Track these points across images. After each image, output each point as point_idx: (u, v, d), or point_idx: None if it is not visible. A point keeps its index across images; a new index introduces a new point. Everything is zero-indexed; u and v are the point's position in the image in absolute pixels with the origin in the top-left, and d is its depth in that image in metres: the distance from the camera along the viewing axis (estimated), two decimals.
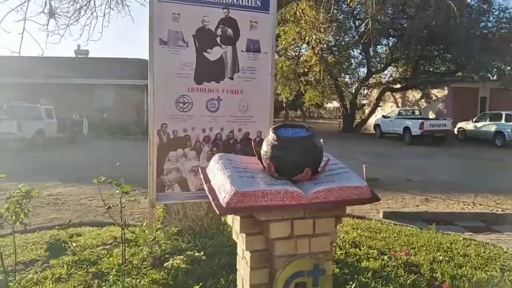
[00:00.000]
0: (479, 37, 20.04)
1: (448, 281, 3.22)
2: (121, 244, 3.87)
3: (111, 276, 2.96)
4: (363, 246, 4.10)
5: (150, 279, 3.00)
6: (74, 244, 3.54)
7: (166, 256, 3.44)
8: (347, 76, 26.32)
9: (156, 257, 3.39)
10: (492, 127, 18.02)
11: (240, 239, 1.87)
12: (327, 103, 34.89)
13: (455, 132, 20.06)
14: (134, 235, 2.45)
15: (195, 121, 3.31)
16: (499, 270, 3.59)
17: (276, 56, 21.78)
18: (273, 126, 1.86)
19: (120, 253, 3.38)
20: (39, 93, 18.55)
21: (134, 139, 17.47)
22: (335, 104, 36.99)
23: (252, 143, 1.96)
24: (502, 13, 21.23)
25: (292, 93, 25.86)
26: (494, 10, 21.26)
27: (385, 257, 3.71)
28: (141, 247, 3.13)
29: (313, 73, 20.59)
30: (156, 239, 2.98)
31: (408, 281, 3.14)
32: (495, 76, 22.65)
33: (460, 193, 7.79)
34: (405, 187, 8.38)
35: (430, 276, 3.34)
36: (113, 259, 3.30)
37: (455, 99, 23.57)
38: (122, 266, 2.55)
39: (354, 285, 2.73)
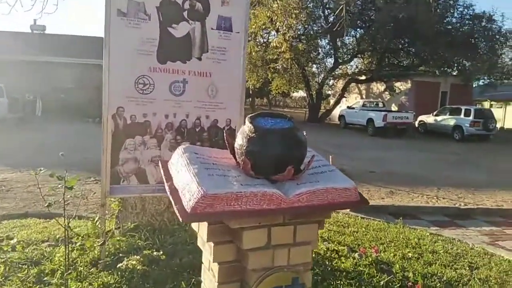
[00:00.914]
0: (443, 32, 20.51)
1: (420, 281, 3.10)
2: (70, 239, 3.50)
3: (55, 280, 2.59)
4: (332, 242, 3.95)
5: (101, 282, 2.65)
6: (13, 242, 3.11)
7: (121, 255, 3.10)
8: (315, 65, 26.27)
9: (109, 256, 3.04)
10: (451, 121, 18.60)
11: (206, 248, 1.58)
12: (293, 92, 34.86)
13: (416, 125, 20.58)
14: (80, 237, 2.09)
15: (157, 105, 2.94)
16: (467, 268, 3.54)
17: None
18: (250, 115, 1.56)
19: (69, 249, 3.01)
20: None
21: (93, 122, 16.55)
22: (301, 93, 37.09)
23: (224, 134, 1.66)
24: (466, 10, 21.83)
25: (259, 81, 25.48)
26: (459, 7, 21.81)
27: (356, 254, 3.57)
28: (87, 251, 2.75)
29: (283, 60, 20.30)
30: (107, 243, 2.62)
31: (381, 282, 2.99)
32: (456, 72, 23.41)
33: (423, 186, 7.88)
34: (370, 179, 8.38)
35: (402, 276, 3.22)
36: (58, 259, 2.91)
37: (417, 92, 24.17)
38: (65, 275, 2.19)
39: None
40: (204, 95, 3.06)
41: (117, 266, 2.86)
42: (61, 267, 2.76)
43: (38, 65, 19.98)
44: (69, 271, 2.15)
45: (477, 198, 6.95)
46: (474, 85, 25.47)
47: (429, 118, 20.26)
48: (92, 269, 2.82)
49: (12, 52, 19.64)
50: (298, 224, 1.51)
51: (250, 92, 34.30)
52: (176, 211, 1.36)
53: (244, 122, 1.57)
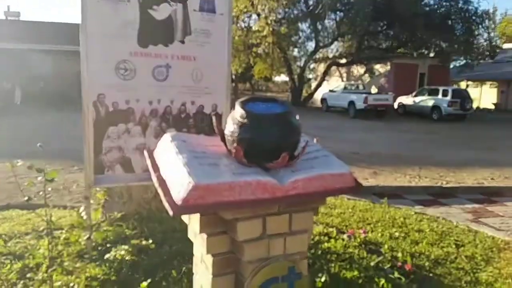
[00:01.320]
0: (421, 14, 20.59)
1: (409, 261, 3.14)
2: (55, 230, 3.39)
3: (40, 274, 2.50)
4: (321, 224, 3.96)
5: (89, 275, 2.58)
6: None
7: (108, 245, 3.02)
8: (296, 49, 26.20)
9: (96, 247, 2.97)
10: (429, 101, 18.88)
11: (199, 240, 1.53)
12: (275, 76, 34.76)
13: (396, 106, 20.82)
14: (63, 231, 2.01)
15: (140, 92, 2.82)
16: (454, 246, 3.60)
17: None
18: (241, 100, 1.50)
19: (53, 243, 2.91)
20: None
21: (75, 110, 16.04)
22: (283, 77, 37.05)
23: (214, 121, 1.59)
24: None
25: (242, 66, 25.25)
26: None
27: (345, 236, 3.59)
28: (71, 245, 2.66)
29: (266, 44, 20.10)
30: (91, 238, 2.54)
31: (372, 264, 3.01)
32: (434, 53, 23.66)
33: (405, 166, 7.99)
34: (353, 161, 8.42)
35: (391, 256, 3.25)
36: (43, 252, 2.80)
37: (396, 74, 24.37)
38: (49, 271, 2.11)
39: (324, 277, 2.52)
40: (189, 80, 2.96)
41: (105, 257, 2.79)
42: (46, 261, 2.67)
43: (15, 53, 19.17)
44: (53, 267, 2.06)
45: (458, 177, 7.09)
46: (451, 66, 25.85)
47: (408, 99, 20.49)
48: (78, 262, 2.73)
49: None
50: (293, 212, 1.47)
51: (233, 77, 34.10)
52: (166, 204, 1.29)
53: (234, 107, 1.50)
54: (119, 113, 2.79)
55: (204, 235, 1.45)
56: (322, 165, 1.52)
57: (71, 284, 2.41)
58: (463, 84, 29.04)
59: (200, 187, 1.27)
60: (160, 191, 1.37)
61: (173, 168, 1.40)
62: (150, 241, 2.99)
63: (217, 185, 1.30)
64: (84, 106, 2.68)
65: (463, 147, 10.85)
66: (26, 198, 2.11)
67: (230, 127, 1.45)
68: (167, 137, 1.58)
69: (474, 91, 26.62)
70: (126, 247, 2.83)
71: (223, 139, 1.53)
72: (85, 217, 2.76)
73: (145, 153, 1.63)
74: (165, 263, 2.78)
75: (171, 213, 1.26)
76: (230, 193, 1.32)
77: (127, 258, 2.76)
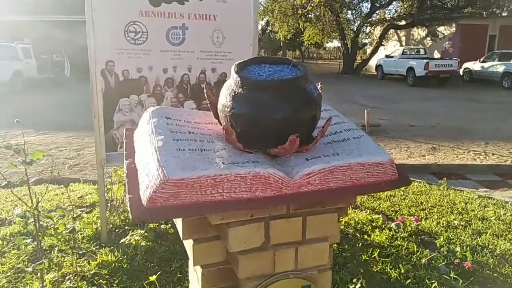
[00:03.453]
0: None
1: (469, 257, 2.63)
2: (83, 207, 3.26)
3: (47, 261, 2.33)
4: (365, 209, 3.52)
5: (100, 261, 2.38)
6: (18, 213, 2.90)
7: (127, 228, 2.83)
8: (349, 11, 24.58)
9: (113, 229, 2.78)
10: (500, 67, 17.03)
11: (187, 246, 1.19)
12: (327, 42, 33.21)
13: (461, 72, 19.06)
14: (49, 220, 1.77)
15: (153, 58, 2.49)
16: None
17: None
18: (239, 62, 1.09)
19: (73, 223, 2.76)
20: (17, 31, 17.18)
21: None
22: (336, 43, 35.42)
23: (205, 89, 1.20)
24: None
25: (290, 31, 24.22)
26: None
27: (393, 224, 3.12)
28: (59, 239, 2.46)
29: (312, 4, 18.89)
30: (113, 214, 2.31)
31: (423, 261, 2.55)
32: (506, 12, 21.16)
33: (470, 141, 7.15)
34: (410, 134, 7.73)
35: (447, 249, 2.75)
36: (59, 232, 2.65)
37: (462, 37, 22.26)
38: (36, 265, 1.90)
39: (359, 284, 2.11)
40: (209, 44, 2.57)
41: (120, 242, 2.59)
42: (59, 243, 2.52)
43: (65, 25, 19.78)
44: (41, 261, 1.86)
45: None
46: None
47: (475, 65, 18.64)
48: (92, 245, 2.55)
49: (38, 12, 19.51)
50: (308, 215, 1.07)
51: (281, 44, 33.09)
52: (128, 204, 0.95)
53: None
54: (130, 82, 2.48)
55: (191, 242, 1.11)
56: (351, 151, 1.09)
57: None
58: None
59: (170, 183, 0.91)
60: (126, 184, 1.03)
61: (145, 154, 1.05)
62: (169, 225, 2.74)
63: (196, 180, 0.93)
64: (92, 75, 2.40)
65: None
66: (5, 182, 1.90)
67: (222, 99, 1.06)
68: (148, 113, 1.23)
69: None
70: (142, 231, 2.60)
71: (216, 115, 1.15)
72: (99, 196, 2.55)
73: (124, 132, 1.29)
74: (183, 251, 2.52)
75: (131, 217, 0.92)
76: (216, 189, 0.95)
77: (142, 244, 2.53)
